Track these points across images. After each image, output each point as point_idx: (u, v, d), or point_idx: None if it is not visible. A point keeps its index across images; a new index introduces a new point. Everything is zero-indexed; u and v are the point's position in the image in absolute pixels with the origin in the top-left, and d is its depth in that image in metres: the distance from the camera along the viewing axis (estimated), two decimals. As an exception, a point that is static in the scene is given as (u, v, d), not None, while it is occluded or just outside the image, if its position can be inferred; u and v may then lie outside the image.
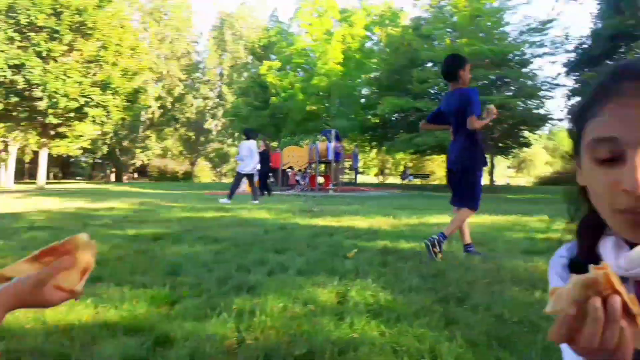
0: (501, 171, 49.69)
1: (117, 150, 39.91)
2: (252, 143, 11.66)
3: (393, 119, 27.50)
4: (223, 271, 3.49)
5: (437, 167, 50.12)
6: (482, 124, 4.04)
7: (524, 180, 54.53)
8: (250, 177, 11.58)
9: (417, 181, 38.65)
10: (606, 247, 0.75)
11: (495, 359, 1.85)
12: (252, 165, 11.42)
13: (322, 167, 24.84)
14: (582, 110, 0.74)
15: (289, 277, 3.26)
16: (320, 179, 22.58)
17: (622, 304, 0.53)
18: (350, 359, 1.87)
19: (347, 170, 28.28)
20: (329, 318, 2.38)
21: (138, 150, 42.57)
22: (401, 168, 48.37)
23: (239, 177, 11.73)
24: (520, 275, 3.22)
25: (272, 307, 2.56)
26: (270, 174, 23.54)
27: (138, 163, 44.62)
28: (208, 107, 53.25)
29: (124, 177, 44.87)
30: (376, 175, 58.87)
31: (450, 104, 4.19)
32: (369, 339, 2.10)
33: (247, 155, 11.39)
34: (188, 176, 51.73)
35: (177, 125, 50.23)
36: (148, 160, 45.23)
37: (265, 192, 14.63)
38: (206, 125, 52.28)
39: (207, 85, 52.85)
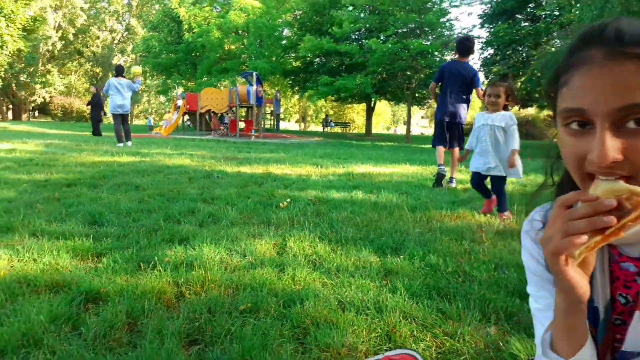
0: (415, 121, 51.55)
1: (13, 85, 35.90)
2: (122, 81, 10.95)
3: (315, 63, 27.21)
4: (150, 221, 3.32)
5: (357, 116, 50.91)
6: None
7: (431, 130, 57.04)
8: (120, 117, 10.92)
9: (338, 129, 39.10)
10: None
11: (436, 309, 1.93)
12: (117, 103, 10.82)
13: (242, 111, 24.23)
14: (556, 77, 0.74)
15: (222, 228, 3.17)
16: (241, 124, 22.06)
17: None
18: (297, 313, 1.86)
19: (268, 116, 27.83)
20: (270, 270, 2.35)
21: (38, 86, 38.64)
22: (322, 116, 48.48)
23: (113, 118, 11.09)
24: (448, 225, 3.37)
25: (208, 260, 2.48)
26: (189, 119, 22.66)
27: (39, 100, 40.57)
28: (116, 41, 49.30)
29: (24, 116, 40.84)
30: (297, 122, 58.69)
31: (463, 71, 5.52)
32: (312, 291, 2.10)
33: (114, 93, 10.79)
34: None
35: (82, 60, 46.21)
36: (50, 97, 41.31)
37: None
38: (114, 61, 48.58)
39: (114, 17, 48.65)
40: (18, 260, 2.44)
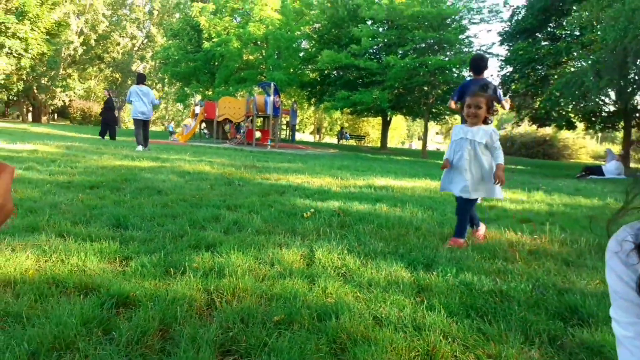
0: (430, 137, 51.37)
1: (34, 87, 36.49)
2: (142, 88, 11.38)
3: (332, 75, 27.25)
4: (175, 226, 3.29)
5: (372, 129, 50.84)
6: None
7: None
8: (140, 122, 11.37)
9: (353, 142, 39.08)
10: None
11: (477, 329, 1.86)
12: (139, 109, 11.28)
13: (258, 121, 24.34)
14: None
15: (248, 236, 3.13)
16: (257, 134, 22.13)
17: None
18: (333, 327, 1.80)
19: (283, 127, 27.91)
20: (300, 281, 2.30)
21: (58, 90, 39.26)
22: (337, 128, 48.53)
23: (134, 123, 11.52)
24: (478, 243, 3.29)
25: (237, 268, 2.44)
26: (204, 126, 22.84)
27: (59, 103, 41.17)
28: (135, 48, 50.03)
29: (43, 118, 41.47)
30: (312, 133, 58.81)
31: None
32: (345, 304, 2.03)
33: (135, 99, 11.23)
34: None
35: (102, 66, 46.91)
36: (70, 101, 41.93)
37: (108, 137, 15.53)
38: (134, 68, 49.26)
39: (135, 24, 49.43)
40: (45, 261, 2.42)
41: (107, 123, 16.11)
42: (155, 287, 2.14)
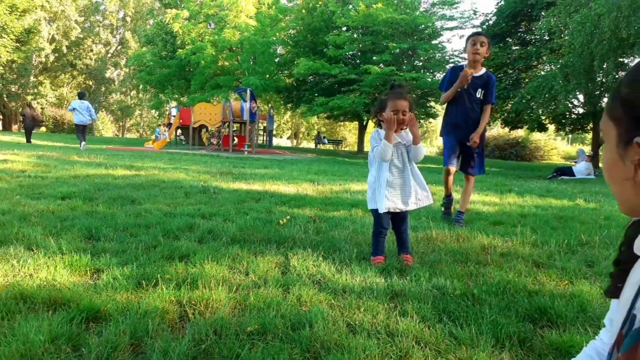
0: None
1: (4, 95, 35.59)
2: (83, 103, 14.83)
3: (309, 81, 27.32)
4: (148, 237, 3.24)
5: (349, 134, 51.10)
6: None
7: (427, 150, 57.23)
8: (81, 127, 14.82)
9: (330, 146, 39.19)
10: None
11: (449, 334, 1.89)
12: (80, 119, 14.74)
13: (235, 127, 24.23)
14: None
15: (222, 245, 3.11)
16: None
17: None
18: (307, 336, 1.80)
19: (260, 132, 27.82)
20: (274, 290, 2.30)
21: (29, 97, 38.38)
22: (314, 133, 48.62)
23: (77, 128, 15.15)
24: (451, 246, 3.33)
25: (211, 278, 2.42)
26: (180, 132, 22.63)
27: (30, 111, 40.22)
28: (109, 55, 49.32)
29: (14, 127, 40.44)
30: (289, 138, 58.80)
31: None
32: (320, 313, 2.04)
33: (78, 112, 14.68)
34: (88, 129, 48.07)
35: (75, 73, 46.09)
36: (42, 108, 41.07)
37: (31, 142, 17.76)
38: (107, 74, 48.53)
39: (108, 30, 48.74)
40: (13, 276, 2.36)
41: (27, 129, 18.87)
42: (127, 300, 2.11)
